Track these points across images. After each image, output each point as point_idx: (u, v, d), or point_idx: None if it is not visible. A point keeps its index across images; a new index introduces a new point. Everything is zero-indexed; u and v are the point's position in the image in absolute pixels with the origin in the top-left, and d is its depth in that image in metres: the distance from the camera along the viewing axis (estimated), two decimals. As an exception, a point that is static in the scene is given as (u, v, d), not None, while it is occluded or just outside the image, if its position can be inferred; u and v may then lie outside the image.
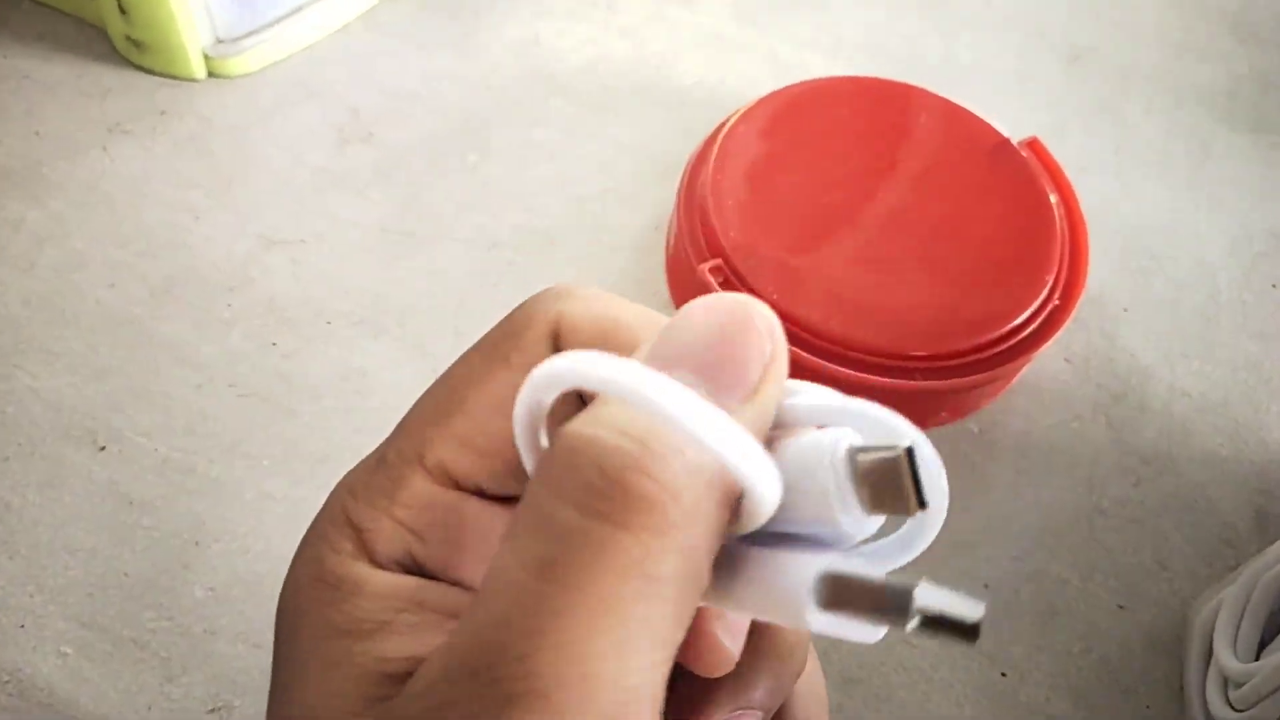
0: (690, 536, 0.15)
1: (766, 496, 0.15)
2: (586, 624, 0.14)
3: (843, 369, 0.34)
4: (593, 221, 0.41)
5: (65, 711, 0.30)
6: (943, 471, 0.15)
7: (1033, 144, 0.40)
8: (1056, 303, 0.36)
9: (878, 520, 0.16)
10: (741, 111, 0.39)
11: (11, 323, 0.36)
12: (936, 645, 0.33)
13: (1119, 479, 0.37)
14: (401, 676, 0.16)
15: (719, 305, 0.16)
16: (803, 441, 0.16)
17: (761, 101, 0.39)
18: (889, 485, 0.15)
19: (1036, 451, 0.37)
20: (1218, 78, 0.49)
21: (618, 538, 0.14)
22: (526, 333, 0.18)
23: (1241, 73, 0.49)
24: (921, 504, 0.15)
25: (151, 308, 0.37)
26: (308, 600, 0.17)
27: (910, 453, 0.15)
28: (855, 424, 0.16)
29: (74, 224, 0.39)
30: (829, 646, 0.33)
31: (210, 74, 0.42)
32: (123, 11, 0.40)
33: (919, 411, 0.36)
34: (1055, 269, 0.36)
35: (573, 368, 0.14)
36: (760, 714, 0.18)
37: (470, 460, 0.17)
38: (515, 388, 0.16)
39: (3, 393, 0.35)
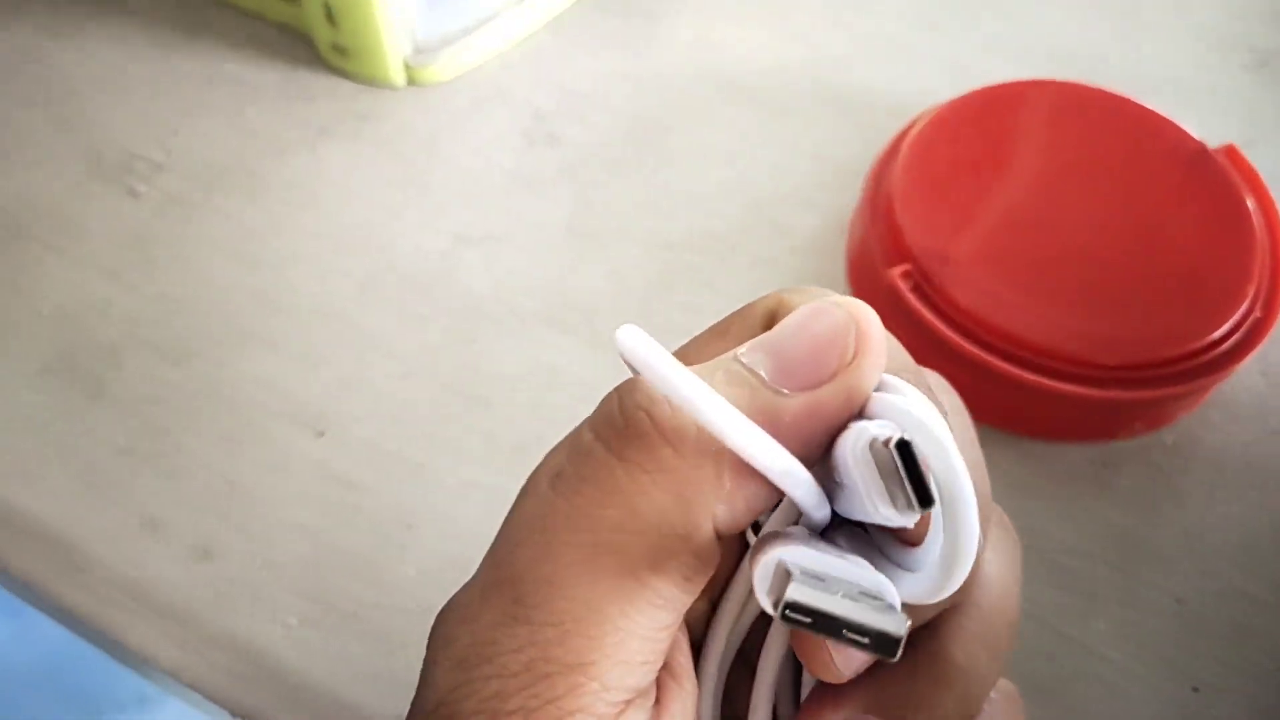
0: (683, 488, 0.16)
1: (783, 487, 0.16)
2: (566, 530, 0.16)
3: (1035, 376, 0.34)
4: (771, 225, 0.42)
5: (293, 680, 0.32)
6: (957, 470, 0.15)
7: (1229, 151, 0.39)
8: (1258, 315, 0.35)
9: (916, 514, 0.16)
10: (930, 114, 0.39)
11: (235, 313, 0.39)
12: (1130, 660, 0.33)
13: (1318, 498, 0.36)
14: None
15: (821, 306, 0.18)
16: (847, 435, 0.17)
17: (950, 105, 0.39)
18: (893, 479, 0.16)
19: (1232, 466, 0.36)
20: None
21: (611, 463, 0.16)
22: (749, 311, 0.20)
23: None
24: (923, 500, 0.15)
25: (358, 302, 0.39)
26: None
27: (904, 446, 0.15)
28: (901, 421, 0.16)
29: (285, 220, 0.41)
30: (1020, 659, 0.33)
31: (409, 81, 0.44)
32: (330, 20, 0.43)
33: (1112, 422, 0.36)
34: (1256, 281, 0.35)
35: (632, 348, 0.16)
36: None
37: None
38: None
39: (227, 379, 0.38)
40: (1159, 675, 0.32)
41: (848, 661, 0.17)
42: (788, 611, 0.15)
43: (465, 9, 0.44)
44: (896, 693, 0.18)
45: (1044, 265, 0.36)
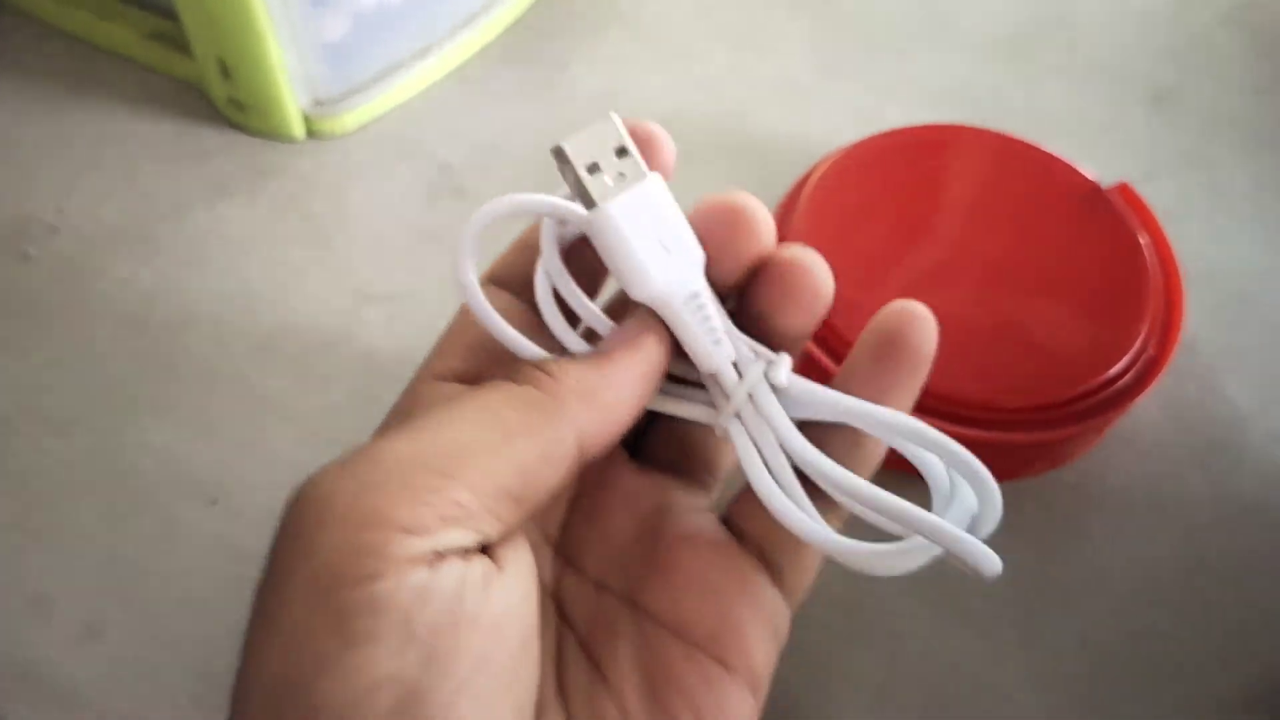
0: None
1: None
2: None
3: (936, 421, 0.34)
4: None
5: (184, 762, 0.31)
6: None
7: (1123, 189, 0.39)
8: (1151, 352, 0.36)
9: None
10: (828, 161, 0.39)
11: (124, 380, 0.38)
12: (1040, 702, 0.33)
13: (1219, 530, 0.36)
14: None
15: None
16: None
17: (848, 151, 0.39)
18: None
19: (1134, 503, 0.37)
20: (1307, 115, 0.48)
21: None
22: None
23: (1332, 109, 0.49)
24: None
25: (256, 364, 0.38)
26: None
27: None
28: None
29: (182, 282, 0.40)
30: (932, 705, 0.32)
31: (309, 134, 0.44)
32: (225, 74, 0.42)
33: (1014, 462, 0.36)
34: (1149, 318, 0.36)
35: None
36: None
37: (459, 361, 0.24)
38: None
39: (117, 449, 0.36)
40: (1070, 716, 0.32)
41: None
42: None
43: (366, 60, 0.44)
44: None
45: (943, 310, 0.36)
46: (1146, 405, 0.38)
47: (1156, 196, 0.44)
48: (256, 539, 0.35)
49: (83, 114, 0.45)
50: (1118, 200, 0.39)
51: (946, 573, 0.35)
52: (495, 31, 0.47)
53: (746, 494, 0.24)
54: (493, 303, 0.22)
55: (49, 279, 0.41)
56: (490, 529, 0.19)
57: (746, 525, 0.24)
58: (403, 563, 0.17)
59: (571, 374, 0.20)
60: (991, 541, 0.38)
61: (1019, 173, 0.39)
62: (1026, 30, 0.50)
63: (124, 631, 0.33)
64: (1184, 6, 0.52)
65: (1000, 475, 0.36)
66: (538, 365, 0.21)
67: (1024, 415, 0.34)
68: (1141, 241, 0.38)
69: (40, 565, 0.34)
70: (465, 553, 0.18)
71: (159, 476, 0.36)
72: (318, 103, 0.43)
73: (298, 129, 0.43)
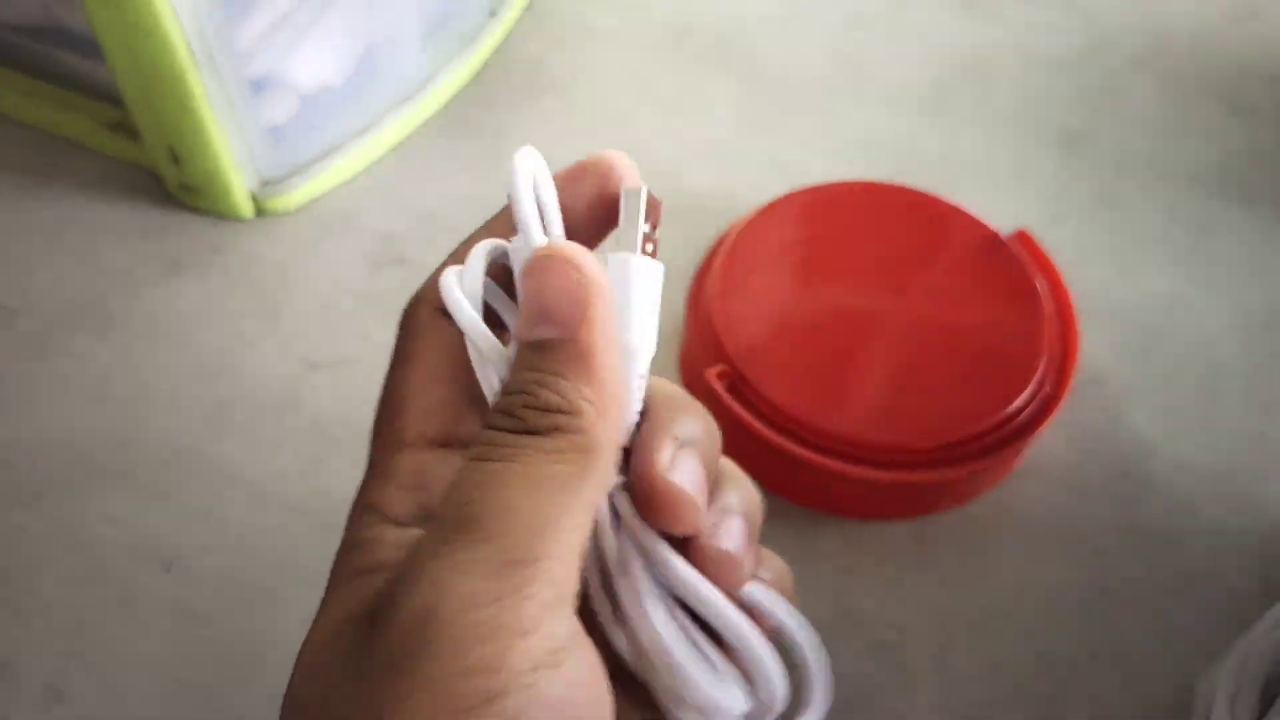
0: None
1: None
2: None
3: (847, 466, 0.36)
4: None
5: (138, 818, 0.32)
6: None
7: (1021, 236, 0.42)
8: (1048, 389, 0.38)
9: None
10: (744, 220, 0.42)
11: (84, 453, 0.40)
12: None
13: (1125, 556, 0.38)
14: None
15: (535, 264, 0.20)
16: None
17: (762, 210, 0.42)
18: None
19: (1043, 534, 0.39)
20: (1212, 155, 0.51)
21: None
22: (414, 329, 0.22)
23: (1236, 148, 0.51)
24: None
25: (208, 433, 0.40)
26: (335, 565, 0.20)
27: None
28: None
29: (138, 357, 0.43)
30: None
31: (258, 212, 0.46)
32: (175, 160, 0.44)
33: (924, 499, 0.38)
34: (1046, 356, 0.38)
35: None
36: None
37: (436, 421, 0.21)
38: (431, 372, 0.21)
39: (79, 519, 0.38)
40: (981, 740, 0.34)
41: None
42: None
43: (310, 141, 0.46)
44: None
45: (853, 358, 0.38)
46: (1054, 439, 0.40)
47: (1066, 238, 0.46)
48: (208, 601, 0.37)
49: (45, 200, 0.47)
50: (1016, 247, 0.41)
51: (860, 604, 0.37)
52: (434, 107, 0.50)
53: None
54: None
55: (11, 358, 0.43)
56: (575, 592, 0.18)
57: None
58: (524, 673, 0.16)
59: (586, 396, 0.19)
60: (904, 574, 0.41)
61: (923, 225, 0.42)
62: (943, 83, 0.53)
63: (85, 692, 0.35)
64: (1095, 53, 0.55)
65: (912, 512, 0.39)
66: (567, 409, 0.19)
67: (931, 455, 0.36)
68: (1038, 284, 0.40)
69: (3, 632, 0.36)
70: (572, 634, 0.18)
71: (118, 544, 0.38)
72: (264, 183, 0.46)
73: (246, 208, 0.45)
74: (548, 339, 0.19)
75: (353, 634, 0.18)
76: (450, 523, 0.18)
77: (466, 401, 0.21)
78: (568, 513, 0.18)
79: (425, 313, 0.22)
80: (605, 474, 0.19)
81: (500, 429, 0.19)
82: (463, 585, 0.17)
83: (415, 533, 0.19)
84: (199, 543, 0.38)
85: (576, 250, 0.20)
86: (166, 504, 0.39)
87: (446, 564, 0.17)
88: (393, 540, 0.20)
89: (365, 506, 0.20)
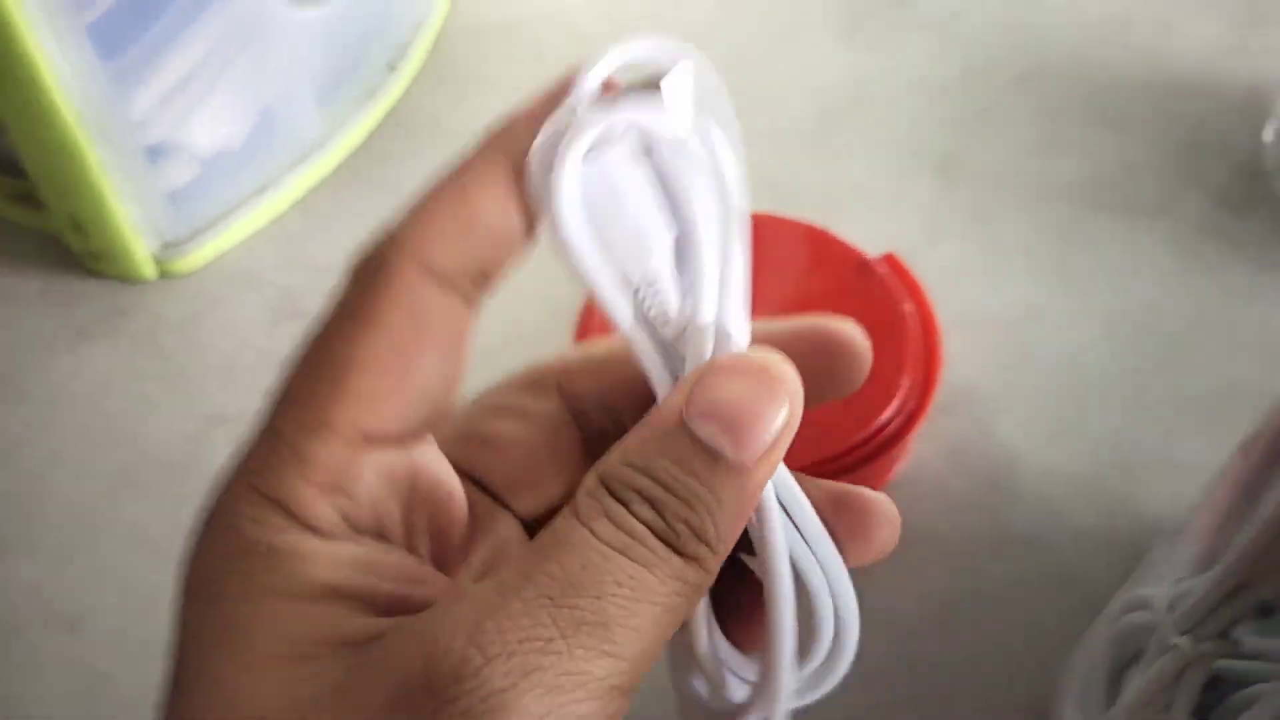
0: None
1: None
2: None
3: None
4: (499, 371, 0.45)
5: None
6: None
7: (889, 259, 0.44)
8: (912, 405, 0.40)
9: None
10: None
11: (-7, 522, 0.41)
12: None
13: (996, 563, 0.40)
14: (360, 643, 0.16)
15: (748, 366, 0.18)
16: None
17: (640, 250, 0.44)
18: None
19: (916, 545, 0.40)
20: (1085, 168, 0.53)
21: None
22: (386, 285, 0.18)
23: (1108, 159, 0.53)
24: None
25: (113, 495, 0.42)
26: (227, 573, 0.17)
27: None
28: None
29: (46, 425, 0.44)
30: None
31: (161, 274, 0.47)
32: (77, 229, 0.46)
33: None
34: (909, 374, 0.40)
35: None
36: None
37: (390, 415, 0.17)
38: (396, 345, 0.17)
39: (-16, 586, 0.40)
40: (858, 747, 0.36)
41: None
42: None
43: (210, 202, 0.48)
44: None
45: (726, 385, 0.40)
46: (925, 452, 0.42)
47: (944, 257, 0.48)
48: (110, 662, 0.38)
49: (-48, 274, 0.49)
50: (883, 269, 0.43)
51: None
52: (333, 163, 0.51)
53: None
54: None
55: (-76, 432, 0.44)
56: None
57: None
58: None
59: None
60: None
61: (795, 251, 0.44)
62: (826, 114, 0.55)
63: (-6, 757, 0.36)
64: (973, 78, 0.57)
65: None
66: (712, 546, 0.17)
67: (802, 471, 0.38)
68: (905, 307, 0.42)
69: (-85, 702, 0.37)
70: None
71: (26, 609, 0.39)
72: (166, 245, 0.47)
73: (149, 271, 0.47)
74: (719, 449, 0.17)
75: (365, 685, 0.15)
76: (572, 613, 0.15)
77: (447, 399, 0.18)
78: (663, 642, 0.17)
79: (410, 270, 0.18)
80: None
81: (643, 520, 0.16)
82: (577, 704, 0.15)
83: (357, 552, 0.17)
84: (101, 604, 0.39)
85: (795, 378, 0.18)
86: (70, 568, 0.40)
87: (562, 667, 0.15)
88: (327, 558, 0.17)
89: (263, 496, 0.17)
